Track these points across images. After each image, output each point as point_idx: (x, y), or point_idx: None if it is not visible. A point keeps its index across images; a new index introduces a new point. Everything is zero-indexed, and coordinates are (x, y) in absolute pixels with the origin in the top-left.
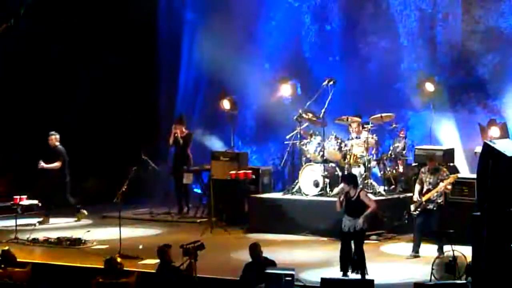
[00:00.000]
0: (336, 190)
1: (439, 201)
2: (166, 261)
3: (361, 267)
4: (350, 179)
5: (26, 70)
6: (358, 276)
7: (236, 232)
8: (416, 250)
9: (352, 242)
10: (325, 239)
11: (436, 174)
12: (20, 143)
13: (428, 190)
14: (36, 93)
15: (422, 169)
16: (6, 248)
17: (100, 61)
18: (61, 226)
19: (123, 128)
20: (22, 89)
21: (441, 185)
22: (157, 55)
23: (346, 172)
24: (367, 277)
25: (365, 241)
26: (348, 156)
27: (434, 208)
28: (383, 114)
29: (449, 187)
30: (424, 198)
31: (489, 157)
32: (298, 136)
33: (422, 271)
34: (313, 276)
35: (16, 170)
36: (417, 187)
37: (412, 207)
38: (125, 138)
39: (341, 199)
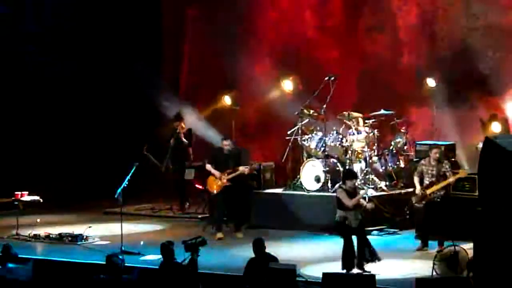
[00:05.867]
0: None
1: (441, 193)
2: (170, 258)
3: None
4: (350, 176)
5: (29, 66)
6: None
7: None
8: (425, 242)
9: (356, 236)
10: (326, 234)
11: (438, 166)
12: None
13: (431, 183)
14: (38, 89)
15: (422, 161)
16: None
17: (102, 56)
18: (62, 222)
19: (125, 123)
20: (24, 86)
21: (450, 180)
22: (159, 50)
23: (346, 168)
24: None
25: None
26: (349, 152)
27: (438, 200)
28: (385, 109)
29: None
30: (429, 191)
31: (490, 153)
32: (300, 131)
33: (424, 266)
34: (315, 271)
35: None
36: (417, 179)
37: (414, 199)
38: (126, 134)
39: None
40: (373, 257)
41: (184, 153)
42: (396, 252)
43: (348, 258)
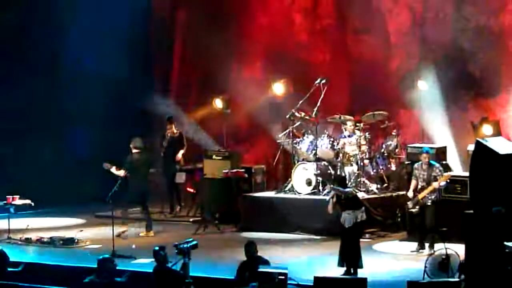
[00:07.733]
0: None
1: (432, 197)
2: (162, 263)
3: (354, 262)
4: (344, 182)
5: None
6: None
7: (229, 231)
8: (421, 245)
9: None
10: (318, 237)
11: (429, 170)
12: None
13: (422, 187)
14: (32, 89)
15: (415, 165)
16: None
17: (94, 58)
18: (54, 226)
19: (116, 126)
20: (19, 86)
21: (435, 184)
22: (150, 54)
23: (336, 175)
24: (358, 273)
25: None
26: (340, 155)
27: (428, 204)
28: (376, 112)
29: (442, 183)
30: (420, 196)
31: (481, 155)
32: (291, 134)
33: (415, 269)
34: (307, 274)
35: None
36: (413, 183)
37: (410, 204)
38: (118, 137)
39: (333, 201)
40: (353, 263)
41: (175, 157)
42: (387, 255)
43: (340, 255)
